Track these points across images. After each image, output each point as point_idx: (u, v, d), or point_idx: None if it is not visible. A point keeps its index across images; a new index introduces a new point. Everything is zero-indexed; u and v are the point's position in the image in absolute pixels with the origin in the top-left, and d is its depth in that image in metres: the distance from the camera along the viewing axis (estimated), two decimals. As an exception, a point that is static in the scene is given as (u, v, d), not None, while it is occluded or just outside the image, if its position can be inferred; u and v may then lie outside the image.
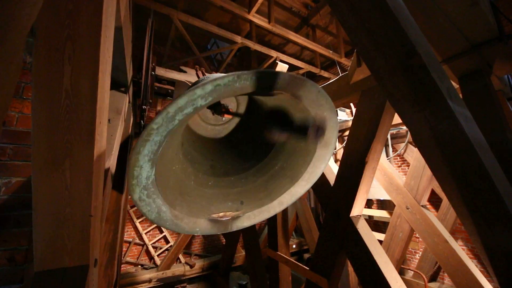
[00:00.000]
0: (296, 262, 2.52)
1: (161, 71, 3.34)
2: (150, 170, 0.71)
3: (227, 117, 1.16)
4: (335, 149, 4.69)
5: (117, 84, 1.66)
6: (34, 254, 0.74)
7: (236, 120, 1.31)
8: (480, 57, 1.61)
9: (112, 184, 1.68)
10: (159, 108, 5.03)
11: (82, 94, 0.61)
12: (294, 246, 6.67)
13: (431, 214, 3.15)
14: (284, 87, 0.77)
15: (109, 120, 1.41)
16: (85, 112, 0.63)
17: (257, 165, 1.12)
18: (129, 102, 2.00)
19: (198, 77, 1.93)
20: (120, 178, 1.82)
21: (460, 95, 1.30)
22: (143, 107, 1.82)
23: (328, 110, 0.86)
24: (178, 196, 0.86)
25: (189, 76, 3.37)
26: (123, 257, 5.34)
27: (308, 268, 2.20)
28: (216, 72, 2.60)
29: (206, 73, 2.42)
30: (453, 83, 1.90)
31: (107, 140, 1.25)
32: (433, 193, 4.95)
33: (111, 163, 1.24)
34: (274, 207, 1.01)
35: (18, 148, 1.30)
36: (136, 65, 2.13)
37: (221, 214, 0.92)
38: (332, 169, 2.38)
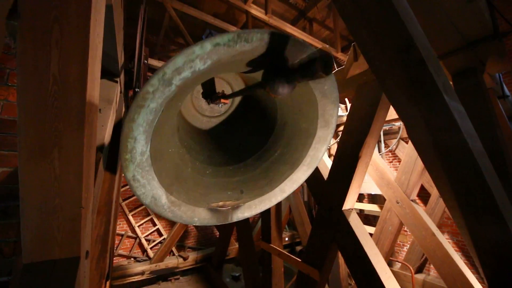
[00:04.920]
0: (289, 254, 2.56)
1: (154, 62, 3.26)
2: (145, 145, 0.65)
3: (223, 102, 1.08)
4: (329, 144, 4.72)
5: (108, 73, 1.61)
6: (22, 246, 0.72)
7: (232, 110, 1.27)
8: (474, 55, 1.62)
9: (104, 176, 1.64)
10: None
11: (71, 80, 0.58)
12: (286, 239, 6.78)
13: (420, 208, 3.23)
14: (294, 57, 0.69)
15: (100, 109, 1.37)
16: (74, 99, 0.60)
17: (256, 153, 1.06)
18: (120, 92, 1.94)
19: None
20: (111, 170, 1.78)
21: (454, 92, 1.32)
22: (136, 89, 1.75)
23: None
24: (174, 181, 0.80)
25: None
26: (116, 250, 5.31)
27: (300, 260, 2.24)
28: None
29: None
30: (447, 80, 1.90)
31: (98, 130, 1.22)
32: (422, 188, 5.08)
33: (102, 154, 1.20)
34: (276, 195, 0.96)
35: (4, 138, 1.25)
36: (128, 54, 2.06)
37: (220, 203, 0.86)
38: (325, 163, 2.40)
